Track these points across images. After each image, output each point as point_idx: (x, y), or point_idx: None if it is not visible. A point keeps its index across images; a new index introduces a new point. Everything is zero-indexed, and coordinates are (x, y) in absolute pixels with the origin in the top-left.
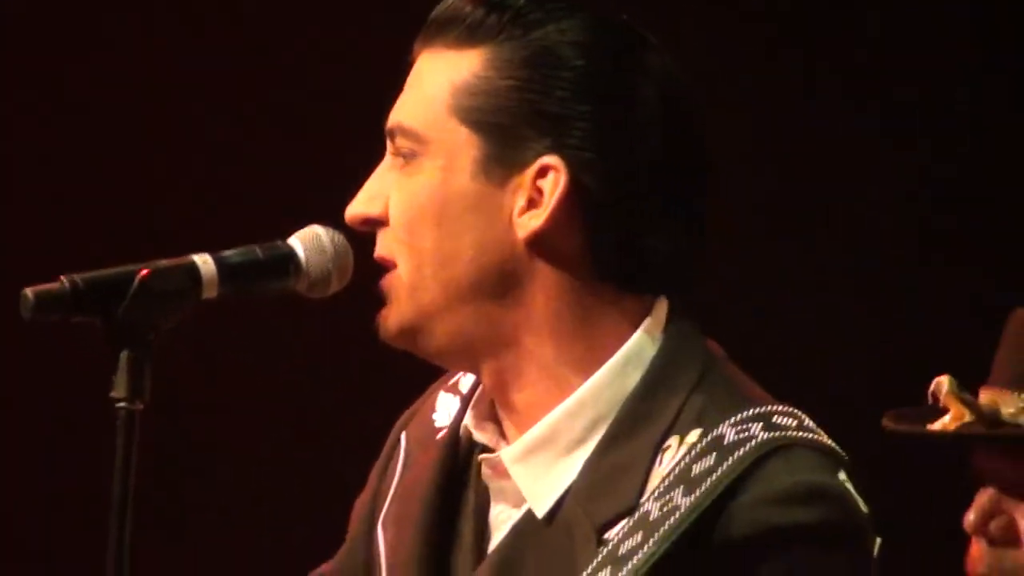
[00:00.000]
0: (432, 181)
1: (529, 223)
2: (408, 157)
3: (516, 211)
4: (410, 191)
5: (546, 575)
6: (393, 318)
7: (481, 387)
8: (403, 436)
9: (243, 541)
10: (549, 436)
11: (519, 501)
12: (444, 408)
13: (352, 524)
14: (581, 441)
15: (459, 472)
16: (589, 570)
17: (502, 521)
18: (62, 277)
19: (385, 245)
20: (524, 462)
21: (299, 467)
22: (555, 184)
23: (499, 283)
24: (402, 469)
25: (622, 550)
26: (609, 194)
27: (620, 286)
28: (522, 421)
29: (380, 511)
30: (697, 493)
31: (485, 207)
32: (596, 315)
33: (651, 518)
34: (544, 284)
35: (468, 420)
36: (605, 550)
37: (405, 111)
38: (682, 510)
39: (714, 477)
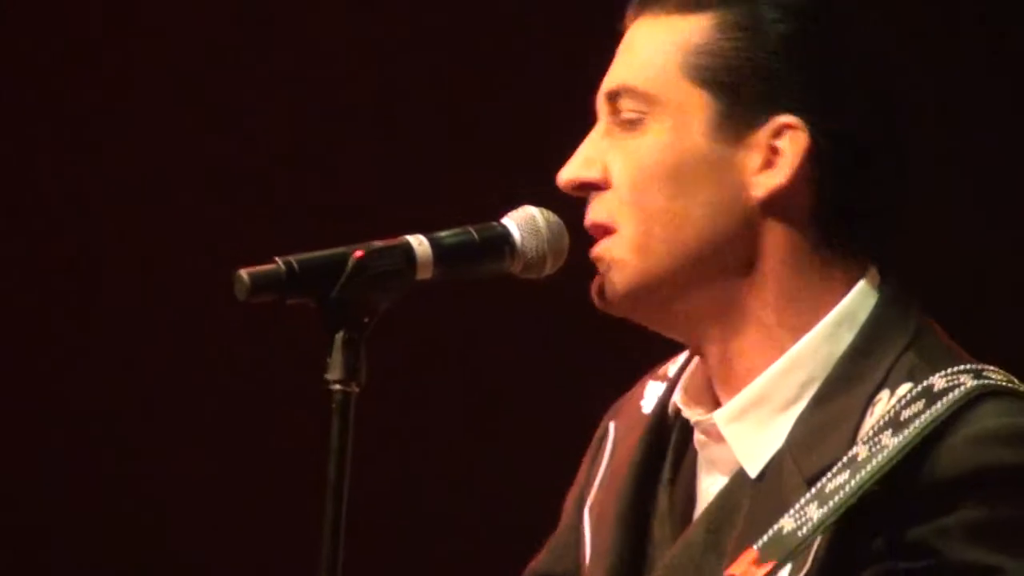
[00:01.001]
0: (663, 140)
1: (768, 181)
2: (633, 121)
3: (751, 171)
4: (639, 152)
5: (756, 524)
6: (617, 282)
7: (693, 364)
8: (611, 426)
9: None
10: (763, 395)
11: (730, 468)
12: (652, 395)
13: (564, 512)
14: (794, 400)
15: (662, 448)
16: (796, 507)
17: (712, 493)
18: (276, 258)
19: (604, 210)
20: (738, 421)
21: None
22: (795, 142)
23: (731, 245)
24: (609, 457)
25: (829, 487)
26: (841, 153)
27: (839, 248)
28: (737, 385)
29: (587, 498)
30: (905, 433)
31: (719, 166)
32: (816, 277)
33: (859, 459)
34: (774, 246)
35: (677, 397)
36: (813, 490)
37: (631, 73)
38: (889, 449)
39: (922, 419)
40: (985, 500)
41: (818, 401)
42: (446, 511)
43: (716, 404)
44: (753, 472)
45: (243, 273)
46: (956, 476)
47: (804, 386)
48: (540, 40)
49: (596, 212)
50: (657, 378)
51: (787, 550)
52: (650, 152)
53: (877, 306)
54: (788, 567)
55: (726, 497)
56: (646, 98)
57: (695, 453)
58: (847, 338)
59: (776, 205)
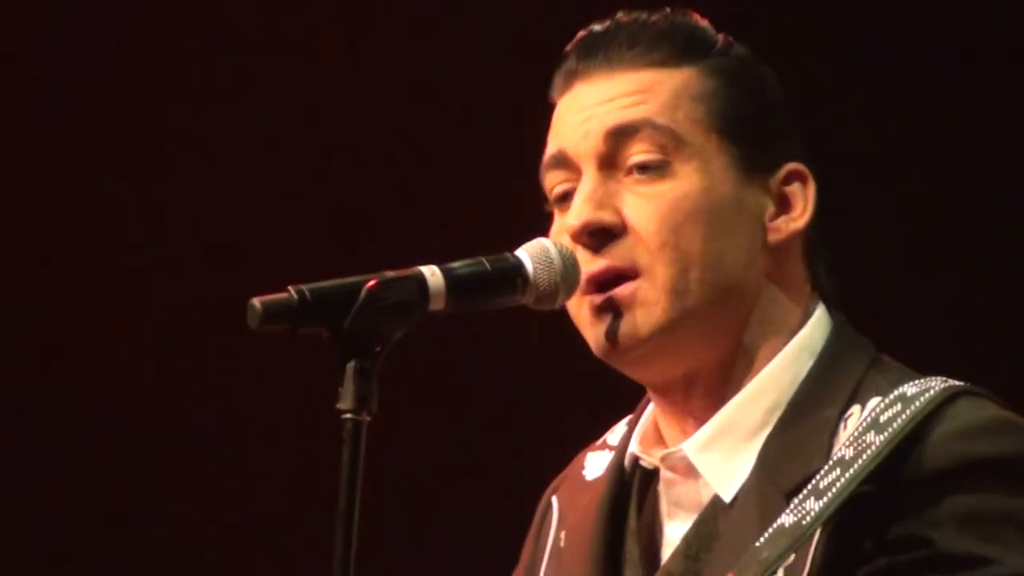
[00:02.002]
0: (695, 184)
1: (788, 226)
2: (652, 166)
3: (767, 215)
4: (672, 195)
5: (736, 546)
6: (642, 324)
7: (646, 417)
8: (554, 500)
9: None
10: (730, 424)
11: (697, 507)
12: (595, 464)
13: None
14: (761, 427)
15: (624, 500)
16: (796, 501)
17: (677, 537)
18: (289, 287)
19: (625, 255)
20: (708, 450)
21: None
22: (808, 188)
23: (750, 283)
24: (557, 525)
25: (823, 484)
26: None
27: (812, 285)
28: (706, 418)
29: (539, 570)
30: (889, 431)
31: (745, 210)
32: (790, 309)
33: (847, 458)
34: (773, 285)
35: (634, 447)
36: (809, 486)
37: (647, 111)
38: (876, 446)
39: (903, 418)
40: (974, 491)
41: (785, 423)
42: (457, 541)
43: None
44: (728, 497)
45: (256, 302)
46: (944, 468)
47: (770, 412)
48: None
49: (616, 257)
50: (596, 449)
51: (778, 550)
52: (685, 195)
53: (833, 332)
54: (782, 572)
55: (702, 525)
56: (672, 135)
57: (657, 501)
58: (808, 363)
59: (786, 248)
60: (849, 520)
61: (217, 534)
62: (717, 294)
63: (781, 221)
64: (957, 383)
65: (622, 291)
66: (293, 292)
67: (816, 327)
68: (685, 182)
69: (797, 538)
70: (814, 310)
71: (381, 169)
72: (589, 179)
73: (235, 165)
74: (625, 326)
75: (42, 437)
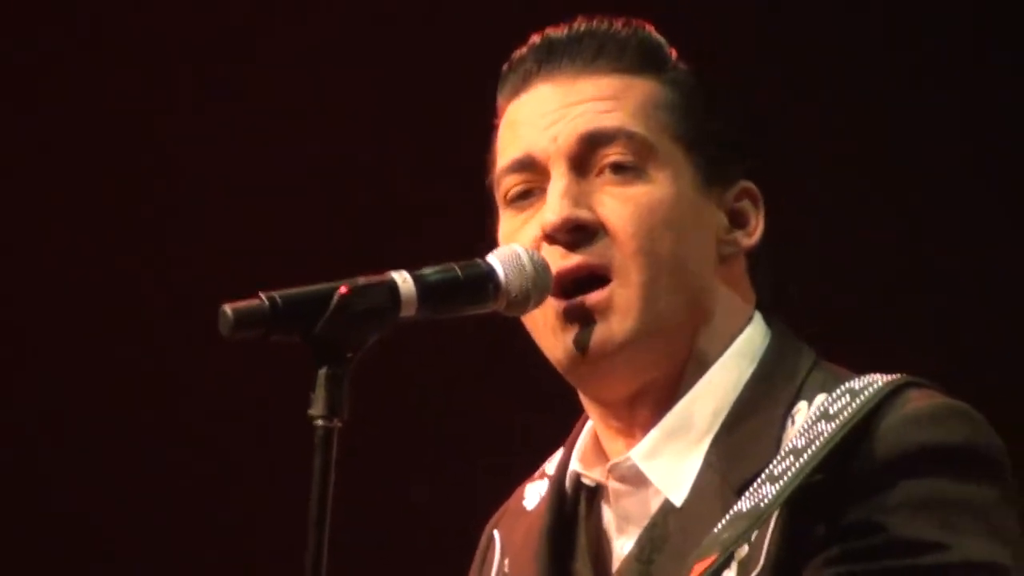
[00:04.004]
0: (668, 191)
1: (741, 241)
2: (627, 167)
3: (722, 227)
4: (646, 198)
5: (689, 541)
6: (618, 331)
7: (583, 436)
8: (495, 534)
9: None
10: (676, 428)
11: (645, 517)
12: (533, 494)
13: None
14: (707, 430)
15: (568, 520)
16: (750, 490)
17: (627, 551)
18: (261, 294)
19: (602, 255)
20: (655, 456)
21: None
22: (757, 206)
23: (706, 292)
24: (500, 555)
25: (777, 471)
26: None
27: (757, 295)
28: (644, 427)
29: None
30: (839, 420)
31: (706, 220)
32: (733, 316)
33: (799, 446)
34: (721, 294)
35: (575, 466)
36: (763, 474)
37: (620, 119)
38: (827, 434)
39: (853, 407)
40: (924, 477)
41: (731, 423)
42: (430, 545)
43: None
44: (679, 500)
45: (227, 309)
46: (895, 455)
47: (715, 415)
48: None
49: (592, 255)
50: (534, 479)
51: (738, 531)
52: (660, 201)
53: (773, 336)
54: (736, 563)
55: (653, 529)
56: (644, 143)
57: (602, 517)
58: (748, 368)
59: (734, 260)
60: (804, 506)
61: (201, 536)
62: (683, 300)
63: (735, 236)
64: (902, 376)
65: (596, 296)
66: (264, 299)
67: (755, 333)
68: (659, 187)
69: (757, 517)
70: (751, 315)
71: (382, 170)
72: (561, 178)
73: (235, 166)
74: (599, 333)
75: (41, 436)
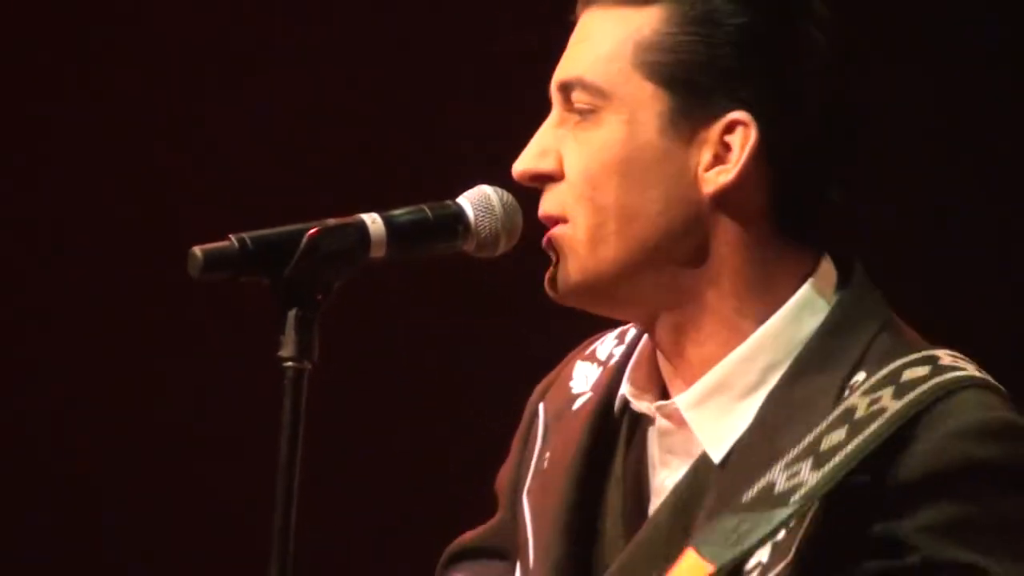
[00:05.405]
0: (616, 135)
1: (717, 179)
2: (586, 112)
3: (702, 166)
4: (592, 145)
5: (725, 504)
6: (569, 274)
7: (637, 355)
8: (540, 408)
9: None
10: (724, 381)
11: (690, 457)
12: (582, 375)
13: (499, 494)
14: (756, 386)
15: (608, 442)
16: (790, 457)
17: (668, 486)
18: (230, 236)
19: (557, 201)
20: (700, 407)
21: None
22: (745, 139)
23: (683, 238)
24: (542, 440)
25: (822, 447)
26: (793, 147)
27: (794, 239)
28: (695, 374)
29: (524, 481)
30: (908, 398)
31: (671, 162)
32: (772, 268)
33: (856, 416)
34: (727, 239)
35: (626, 390)
36: (806, 442)
37: (584, 66)
38: (888, 413)
39: (909, 399)
40: (970, 497)
41: (788, 382)
42: (400, 489)
43: (664, 394)
44: (717, 457)
45: (196, 250)
46: (940, 471)
47: (766, 371)
48: (503, 29)
49: (549, 204)
50: (586, 359)
51: (756, 533)
52: (604, 146)
53: (843, 291)
54: (767, 551)
55: (691, 479)
56: (599, 92)
57: (644, 449)
58: (810, 323)
59: (727, 200)
60: (840, 506)
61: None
62: (640, 246)
63: (712, 173)
64: (966, 372)
65: (556, 232)
66: (234, 240)
67: (819, 285)
68: (607, 133)
69: (776, 524)
70: (814, 268)
71: (382, 170)
72: (548, 122)
73: (235, 166)
74: (559, 271)
75: (38, 437)
